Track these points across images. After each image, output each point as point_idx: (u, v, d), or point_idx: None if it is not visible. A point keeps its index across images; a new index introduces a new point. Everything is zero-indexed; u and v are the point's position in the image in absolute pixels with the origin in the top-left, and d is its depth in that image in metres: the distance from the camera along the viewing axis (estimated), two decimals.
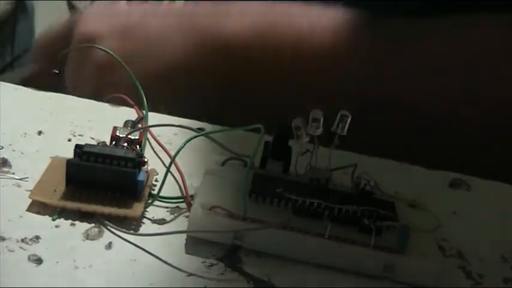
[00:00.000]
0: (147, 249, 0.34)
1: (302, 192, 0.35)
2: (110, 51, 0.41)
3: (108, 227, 0.34)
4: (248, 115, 0.38)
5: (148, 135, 0.41)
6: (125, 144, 0.38)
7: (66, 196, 0.35)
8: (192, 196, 0.37)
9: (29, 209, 0.35)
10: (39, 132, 0.41)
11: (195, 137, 0.38)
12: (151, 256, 0.33)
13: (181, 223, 0.36)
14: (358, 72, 0.48)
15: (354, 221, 0.35)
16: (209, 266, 0.33)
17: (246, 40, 0.49)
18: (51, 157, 0.38)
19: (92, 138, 0.41)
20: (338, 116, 0.36)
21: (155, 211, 0.36)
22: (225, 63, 0.49)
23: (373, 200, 0.36)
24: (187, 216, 0.35)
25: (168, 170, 0.37)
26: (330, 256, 0.34)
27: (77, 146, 0.36)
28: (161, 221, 0.36)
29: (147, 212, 0.36)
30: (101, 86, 0.48)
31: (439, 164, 0.44)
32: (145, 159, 0.37)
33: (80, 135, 0.42)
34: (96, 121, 0.43)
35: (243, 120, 0.37)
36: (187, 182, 0.37)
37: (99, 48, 0.41)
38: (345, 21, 0.48)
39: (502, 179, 0.44)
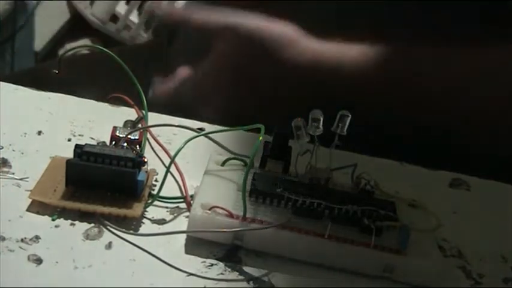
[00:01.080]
0: (146, 249, 0.34)
1: (302, 192, 0.35)
2: (109, 51, 0.40)
3: (108, 227, 0.34)
4: None
5: (148, 135, 0.41)
6: (125, 144, 0.38)
7: (66, 196, 0.35)
8: (192, 196, 0.37)
9: (29, 209, 0.35)
10: (39, 132, 0.41)
11: (195, 137, 0.38)
12: (151, 256, 0.33)
13: (181, 223, 0.36)
14: None
15: (354, 221, 0.35)
16: (209, 266, 0.33)
17: None
18: (51, 157, 0.38)
19: (92, 138, 0.41)
20: (338, 116, 0.36)
21: (155, 211, 0.36)
22: None
23: (373, 200, 0.36)
24: (187, 216, 0.35)
25: (167, 170, 0.37)
26: (330, 256, 0.34)
27: (77, 146, 0.36)
28: (161, 221, 0.36)
29: (147, 212, 0.36)
30: None
31: (439, 164, 0.44)
32: (145, 159, 0.37)
33: (79, 135, 0.42)
34: (96, 121, 0.43)
35: None
36: (187, 182, 0.37)
37: (98, 48, 0.41)
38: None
39: (502, 179, 0.44)
